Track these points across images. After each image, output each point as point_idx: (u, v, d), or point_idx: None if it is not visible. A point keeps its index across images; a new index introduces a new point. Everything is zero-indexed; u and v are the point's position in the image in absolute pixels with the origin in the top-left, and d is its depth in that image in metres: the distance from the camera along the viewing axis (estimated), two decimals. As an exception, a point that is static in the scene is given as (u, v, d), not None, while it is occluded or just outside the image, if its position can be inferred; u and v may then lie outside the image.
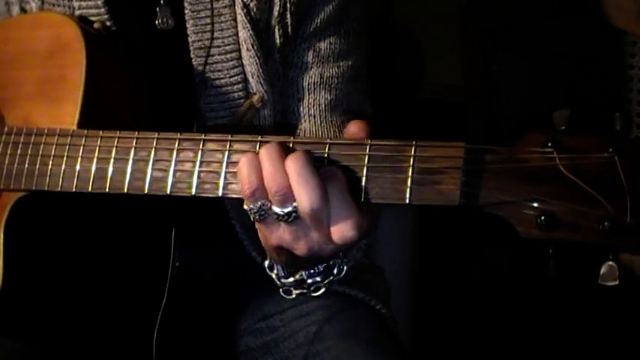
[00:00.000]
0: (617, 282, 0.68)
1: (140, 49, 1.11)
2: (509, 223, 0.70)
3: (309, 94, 1.13)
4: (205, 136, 0.87)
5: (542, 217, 0.68)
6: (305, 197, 0.78)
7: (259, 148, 0.83)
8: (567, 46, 1.72)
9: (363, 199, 0.79)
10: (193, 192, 0.87)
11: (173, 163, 0.88)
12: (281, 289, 0.94)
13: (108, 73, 1.06)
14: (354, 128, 0.82)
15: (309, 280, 0.91)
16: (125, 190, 0.91)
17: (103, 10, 1.11)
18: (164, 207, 1.06)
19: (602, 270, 0.69)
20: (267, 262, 0.94)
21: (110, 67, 1.07)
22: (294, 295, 0.93)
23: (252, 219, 0.83)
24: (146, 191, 0.90)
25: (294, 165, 0.79)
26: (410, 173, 0.75)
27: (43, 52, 1.06)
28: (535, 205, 0.69)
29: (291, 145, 0.82)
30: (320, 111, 1.13)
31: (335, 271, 0.91)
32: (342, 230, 0.79)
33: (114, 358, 1.18)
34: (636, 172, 0.66)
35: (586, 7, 1.66)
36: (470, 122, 1.86)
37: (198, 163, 0.86)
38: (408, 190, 0.76)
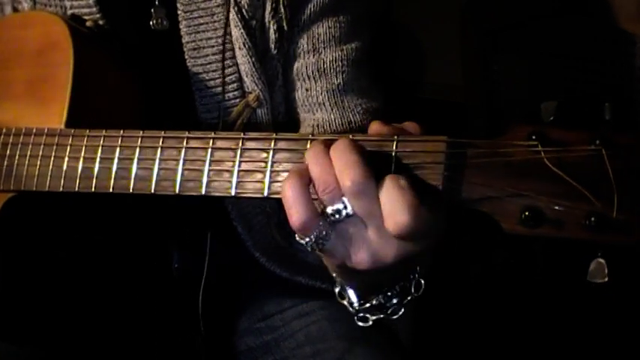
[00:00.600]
0: (605, 279, 0.66)
1: (134, 50, 1.11)
2: (493, 219, 0.68)
3: (315, 82, 1.12)
4: (189, 133, 0.86)
5: (527, 213, 0.66)
6: (346, 176, 0.72)
7: (242, 144, 0.82)
8: (567, 46, 1.70)
9: None
10: (177, 190, 0.86)
11: (157, 161, 0.87)
12: (356, 317, 0.85)
13: (98, 72, 1.05)
14: (376, 127, 0.78)
15: (387, 304, 0.83)
16: (111, 190, 0.91)
17: (94, 9, 1.11)
18: (161, 207, 1.06)
19: (591, 267, 0.67)
20: (337, 290, 0.86)
21: (100, 67, 1.07)
22: (370, 322, 0.84)
23: (309, 250, 0.76)
24: (131, 190, 0.89)
25: (334, 152, 0.73)
26: (392, 169, 0.74)
27: (33, 52, 1.06)
28: (519, 200, 0.67)
29: (272, 143, 0.80)
30: (329, 97, 1.11)
31: (412, 289, 0.83)
32: (394, 214, 0.70)
33: (112, 358, 1.18)
34: (624, 165, 0.64)
35: (586, 7, 1.65)
36: (470, 122, 1.85)
37: (181, 161, 0.85)
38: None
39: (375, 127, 0.78)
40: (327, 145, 0.75)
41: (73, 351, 1.14)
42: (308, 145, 0.78)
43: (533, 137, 0.67)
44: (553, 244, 0.67)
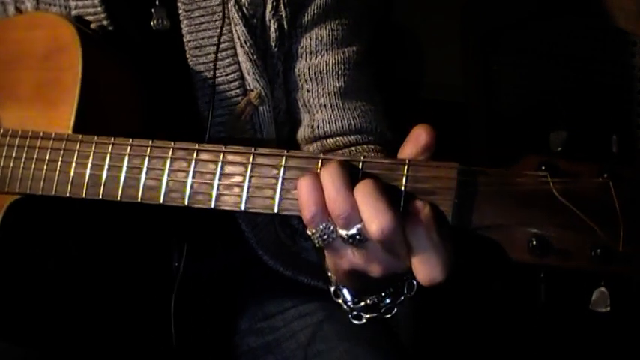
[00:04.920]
0: (608, 308, 0.68)
1: (137, 51, 1.11)
2: (501, 247, 0.70)
3: (317, 84, 1.13)
4: (199, 146, 0.86)
5: (534, 242, 0.68)
6: (375, 222, 0.73)
7: (252, 160, 0.82)
8: (567, 46, 1.71)
9: None
10: (186, 202, 0.86)
11: (166, 172, 0.87)
12: (350, 315, 0.88)
13: (104, 75, 1.05)
14: (420, 131, 0.77)
15: (381, 304, 0.85)
16: (119, 198, 0.91)
17: (99, 9, 1.10)
18: (163, 209, 1.06)
19: (594, 296, 0.68)
20: (332, 288, 0.88)
21: (107, 69, 1.06)
22: (364, 320, 0.87)
23: (316, 245, 0.78)
24: (139, 200, 0.89)
25: (361, 190, 0.75)
26: (402, 194, 0.74)
27: (40, 54, 1.05)
28: (527, 229, 0.69)
29: (283, 160, 0.81)
30: (331, 99, 1.13)
31: (406, 290, 0.85)
32: (430, 276, 0.74)
33: (112, 357, 1.19)
34: (630, 198, 0.65)
35: (586, 7, 1.65)
36: (470, 122, 1.86)
37: (191, 174, 0.86)
38: (401, 209, 0.75)
39: (419, 130, 0.78)
40: (345, 166, 0.76)
41: (74, 350, 1.14)
42: (319, 165, 0.79)
43: (543, 168, 0.68)
44: (556, 272, 0.69)
